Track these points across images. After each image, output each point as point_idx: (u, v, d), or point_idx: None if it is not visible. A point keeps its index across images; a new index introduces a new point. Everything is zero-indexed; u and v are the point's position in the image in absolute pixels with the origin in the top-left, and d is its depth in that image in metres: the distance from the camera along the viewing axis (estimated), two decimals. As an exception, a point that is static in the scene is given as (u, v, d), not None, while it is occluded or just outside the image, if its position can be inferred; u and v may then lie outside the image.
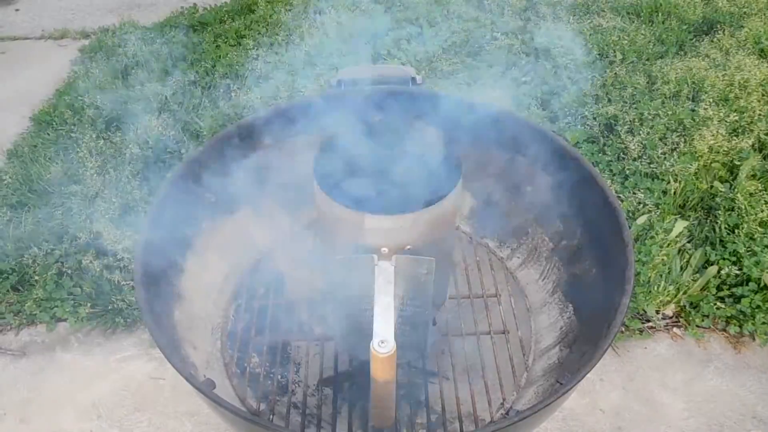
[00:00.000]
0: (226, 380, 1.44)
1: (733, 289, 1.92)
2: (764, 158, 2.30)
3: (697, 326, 1.89)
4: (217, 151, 1.52)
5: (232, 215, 1.62)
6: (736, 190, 2.15)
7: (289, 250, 1.71)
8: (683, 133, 2.37)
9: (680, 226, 2.02)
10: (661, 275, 1.94)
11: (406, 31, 2.95)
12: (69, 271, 1.98)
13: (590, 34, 2.93)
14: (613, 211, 1.31)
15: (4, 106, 2.92)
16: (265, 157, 1.61)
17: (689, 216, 2.13)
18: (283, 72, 2.69)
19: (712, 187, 2.20)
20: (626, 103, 2.52)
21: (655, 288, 1.91)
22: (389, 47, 2.86)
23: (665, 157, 2.27)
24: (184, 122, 2.54)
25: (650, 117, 2.43)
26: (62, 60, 3.24)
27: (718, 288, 1.93)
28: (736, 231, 2.04)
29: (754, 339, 1.88)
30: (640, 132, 2.35)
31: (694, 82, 2.60)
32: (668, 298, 1.92)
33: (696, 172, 2.21)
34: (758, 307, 1.86)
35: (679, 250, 2.00)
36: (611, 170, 2.28)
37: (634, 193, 2.15)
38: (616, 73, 2.67)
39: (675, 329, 1.91)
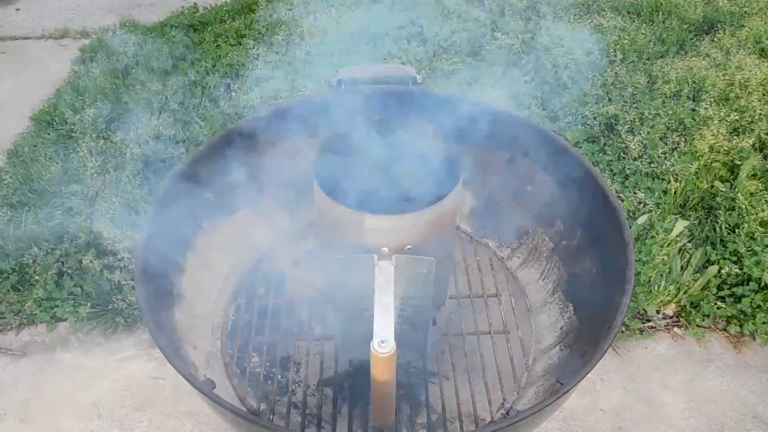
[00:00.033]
0: (226, 380, 1.44)
1: (734, 289, 1.91)
2: (765, 158, 2.30)
3: (698, 326, 1.89)
4: (217, 151, 1.52)
5: (232, 215, 1.62)
6: (736, 189, 2.14)
7: (289, 250, 1.71)
8: (684, 133, 2.37)
9: (681, 225, 2.02)
10: (661, 275, 1.93)
11: (406, 31, 2.95)
12: (69, 271, 1.98)
13: (591, 34, 2.93)
14: (613, 211, 1.31)
15: (4, 106, 2.92)
16: (265, 157, 1.61)
17: (690, 216, 2.13)
18: (284, 71, 2.69)
19: (712, 186, 2.20)
20: (627, 102, 2.51)
21: (656, 288, 1.91)
22: (389, 47, 2.85)
23: (666, 157, 2.27)
24: (185, 122, 2.53)
25: (651, 116, 2.43)
26: (62, 60, 3.24)
27: (719, 288, 1.93)
28: (736, 230, 2.04)
29: (754, 339, 1.87)
30: (641, 131, 2.35)
31: (694, 82, 2.60)
32: (669, 298, 1.92)
33: (696, 172, 2.21)
34: (759, 306, 1.86)
35: (680, 250, 2.00)
36: (611, 170, 2.27)
37: (634, 193, 2.15)
38: (616, 73, 2.66)
39: (675, 329, 1.91)
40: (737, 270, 1.92)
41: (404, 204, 1.25)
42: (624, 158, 2.31)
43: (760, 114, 2.40)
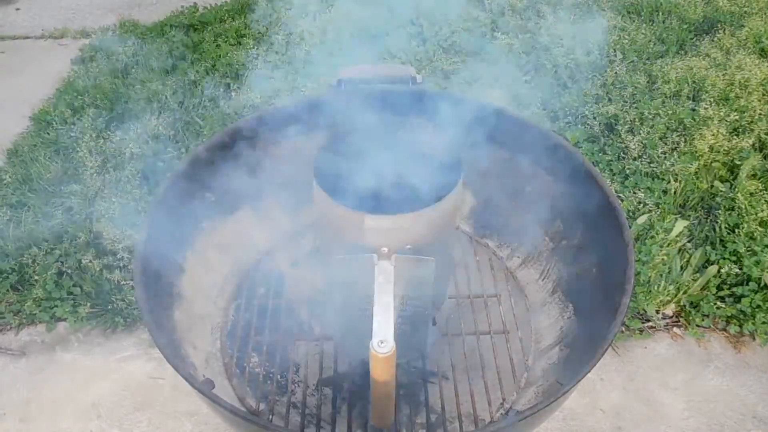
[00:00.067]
0: (226, 380, 1.44)
1: (734, 289, 1.91)
2: (765, 158, 2.30)
3: (698, 326, 1.89)
4: (217, 151, 1.52)
5: (232, 215, 1.62)
6: (736, 189, 2.14)
7: (288, 250, 1.71)
8: (683, 133, 2.37)
9: (680, 225, 2.02)
10: (661, 275, 1.93)
11: (406, 31, 2.95)
12: (69, 271, 1.98)
13: (591, 34, 2.93)
14: (613, 211, 1.31)
15: (4, 106, 2.92)
16: (265, 156, 1.61)
17: (689, 215, 2.13)
18: (283, 71, 2.69)
19: (712, 186, 2.20)
20: (626, 102, 2.52)
21: (655, 288, 1.91)
22: (389, 47, 2.85)
23: (665, 157, 2.27)
24: (185, 122, 2.53)
25: (650, 116, 2.43)
26: (62, 59, 3.24)
27: (718, 287, 1.93)
28: (736, 230, 2.04)
29: (754, 339, 1.87)
30: (641, 131, 2.35)
31: (694, 82, 2.60)
32: (668, 298, 1.92)
33: (696, 172, 2.21)
34: (758, 306, 1.86)
35: (680, 250, 2.00)
36: (611, 170, 2.27)
37: (634, 193, 2.15)
38: (616, 73, 2.66)
39: (675, 329, 1.91)
40: (737, 270, 1.92)
41: (404, 204, 1.25)
42: (624, 158, 2.31)
43: (760, 114, 2.40)
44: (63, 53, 3.33)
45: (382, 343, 1.03)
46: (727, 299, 1.92)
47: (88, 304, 1.90)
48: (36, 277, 1.95)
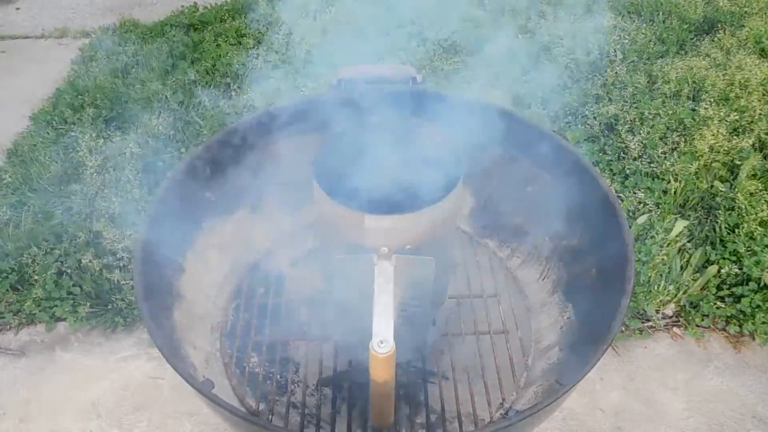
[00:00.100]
0: (225, 380, 1.44)
1: (733, 289, 1.91)
2: (765, 158, 2.30)
3: (697, 326, 1.89)
4: (216, 151, 1.52)
5: (232, 215, 1.62)
6: (736, 189, 2.14)
7: (288, 250, 1.71)
8: (684, 133, 2.37)
9: (680, 225, 2.02)
10: (661, 275, 1.93)
11: (406, 31, 2.95)
12: (68, 271, 1.98)
13: (591, 34, 2.92)
14: (613, 211, 1.31)
15: (4, 105, 2.92)
16: (264, 156, 1.61)
17: (689, 215, 2.13)
18: (283, 71, 2.69)
19: (712, 186, 2.20)
20: (627, 102, 2.51)
21: (655, 287, 1.91)
22: (389, 47, 2.85)
23: (665, 157, 2.27)
24: (185, 122, 2.53)
25: (651, 116, 2.43)
26: (62, 59, 3.24)
27: (718, 287, 1.93)
28: (736, 230, 2.04)
29: (754, 338, 1.87)
30: (641, 131, 2.35)
31: (694, 82, 2.60)
32: (668, 298, 1.92)
33: (696, 172, 2.21)
34: (758, 306, 1.86)
35: (679, 250, 2.00)
36: (611, 170, 2.27)
37: (634, 193, 2.15)
38: (616, 73, 2.66)
39: (675, 329, 1.91)
40: (737, 270, 1.92)
41: (404, 204, 1.25)
42: (624, 158, 2.31)
43: (760, 114, 2.40)
44: (63, 53, 3.33)
45: (381, 343, 1.03)
46: (726, 299, 1.91)
47: (88, 304, 1.90)
48: (36, 277, 1.95)
